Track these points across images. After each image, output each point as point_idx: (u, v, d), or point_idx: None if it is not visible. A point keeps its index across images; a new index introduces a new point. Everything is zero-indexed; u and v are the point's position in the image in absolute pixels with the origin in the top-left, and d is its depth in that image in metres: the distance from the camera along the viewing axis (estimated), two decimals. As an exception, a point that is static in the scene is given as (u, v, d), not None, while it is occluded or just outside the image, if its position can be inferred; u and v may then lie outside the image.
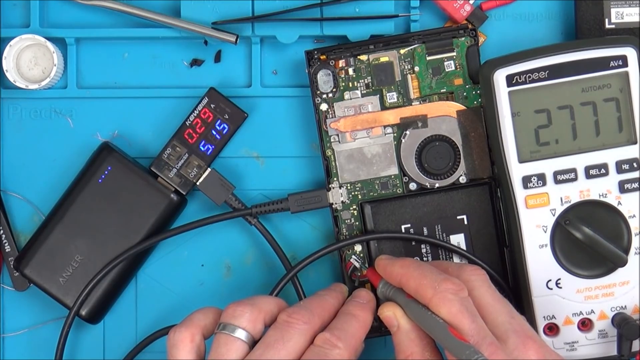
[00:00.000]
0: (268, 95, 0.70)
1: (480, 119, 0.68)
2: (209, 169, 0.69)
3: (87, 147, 0.69)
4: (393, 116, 0.68)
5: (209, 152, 0.69)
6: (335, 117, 0.68)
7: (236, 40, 0.68)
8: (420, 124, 0.68)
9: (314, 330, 0.60)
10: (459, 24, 0.69)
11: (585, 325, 0.66)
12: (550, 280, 0.65)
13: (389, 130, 0.68)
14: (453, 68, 0.68)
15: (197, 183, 0.69)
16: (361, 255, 0.68)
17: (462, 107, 0.68)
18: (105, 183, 0.68)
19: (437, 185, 0.68)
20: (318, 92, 0.68)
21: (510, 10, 0.71)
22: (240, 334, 0.59)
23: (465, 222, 0.68)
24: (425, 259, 0.68)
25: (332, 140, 0.68)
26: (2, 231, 0.70)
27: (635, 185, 0.64)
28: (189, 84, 0.71)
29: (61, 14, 0.71)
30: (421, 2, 0.69)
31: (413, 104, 0.68)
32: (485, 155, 0.68)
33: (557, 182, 0.65)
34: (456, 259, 0.68)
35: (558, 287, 0.65)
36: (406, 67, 0.68)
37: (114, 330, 0.70)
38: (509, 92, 0.64)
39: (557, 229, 0.65)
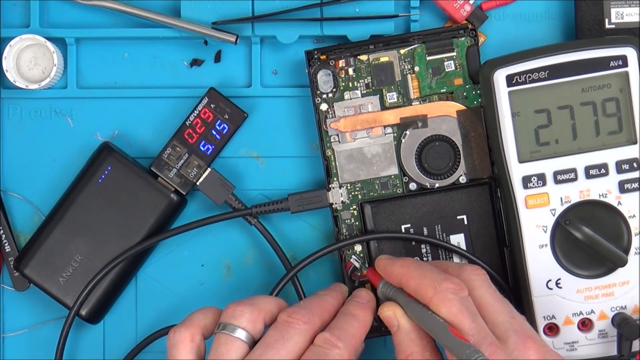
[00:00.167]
0: (268, 95, 0.70)
1: (480, 119, 0.68)
2: (209, 169, 0.69)
3: (87, 147, 0.69)
4: (393, 116, 0.68)
5: (209, 152, 0.69)
6: (335, 117, 0.68)
7: (236, 40, 0.68)
8: (420, 124, 0.68)
9: (314, 330, 0.60)
10: (459, 24, 0.69)
11: (585, 325, 0.66)
12: (550, 280, 0.65)
13: (389, 130, 0.68)
14: (453, 68, 0.68)
15: (197, 183, 0.69)
16: (361, 255, 0.68)
17: (462, 107, 0.68)
18: (105, 183, 0.68)
19: (437, 185, 0.68)
20: (318, 92, 0.68)
21: (510, 10, 0.71)
22: (240, 333, 0.59)
23: (465, 222, 0.68)
24: (425, 259, 0.68)
25: (332, 140, 0.68)
26: (2, 231, 0.70)
27: (635, 185, 0.64)
28: (189, 84, 0.71)
29: (61, 14, 0.71)
30: (421, 2, 0.69)
31: (413, 104, 0.68)
32: (485, 155, 0.68)
33: (557, 182, 0.65)
34: (456, 259, 0.68)
35: (558, 287, 0.65)
36: (406, 67, 0.68)
37: (114, 330, 0.70)
38: (509, 92, 0.64)
39: (557, 229, 0.65)
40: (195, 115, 0.68)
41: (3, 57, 0.68)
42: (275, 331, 0.59)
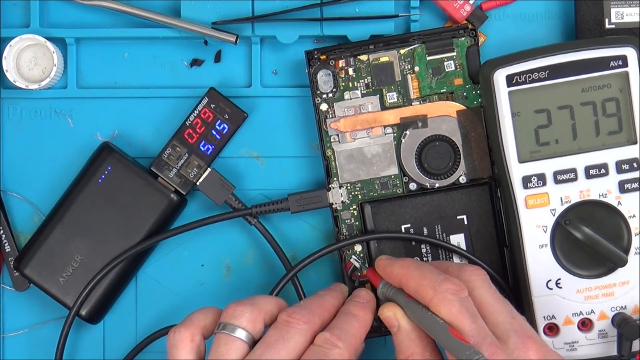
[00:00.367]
0: (268, 95, 0.70)
1: (480, 119, 0.68)
2: (209, 169, 0.69)
3: (87, 147, 0.69)
4: (393, 116, 0.68)
5: (209, 152, 0.69)
6: (335, 117, 0.68)
7: (236, 40, 0.68)
8: (420, 124, 0.68)
9: (314, 330, 0.60)
10: (459, 24, 0.69)
11: (585, 325, 0.66)
12: (550, 280, 0.65)
13: (389, 130, 0.68)
14: (453, 68, 0.68)
15: (197, 183, 0.69)
16: (361, 255, 0.68)
17: (462, 107, 0.68)
18: (105, 183, 0.68)
19: (437, 185, 0.68)
20: (318, 92, 0.68)
21: (510, 10, 0.71)
22: (240, 333, 0.59)
23: (465, 222, 0.68)
24: (425, 259, 0.68)
25: (332, 140, 0.68)
26: (2, 231, 0.70)
27: (635, 185, 0.64)
28: (189, 84, 0.71)
29: (61, 14, 0.71)
30: (421, 2, 0.69)
31: (413, 104, 0.68)
32: (485, 155, 0.68)
33: (557, 182, 0.65)
34: (456, 259, 0.68)
35: (558, 287, 0.65)
36: (406, 67, 0.68)
37: (114, 330, 0.70)
38: (509, 92, 0.64)
39: (557, 229, 0.65)
40: (195, 115, 0.68)
41: (3, 57, 0.68)
42: (276, 331, 0.59)
